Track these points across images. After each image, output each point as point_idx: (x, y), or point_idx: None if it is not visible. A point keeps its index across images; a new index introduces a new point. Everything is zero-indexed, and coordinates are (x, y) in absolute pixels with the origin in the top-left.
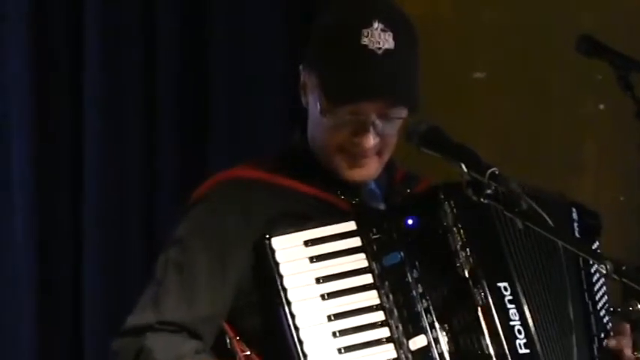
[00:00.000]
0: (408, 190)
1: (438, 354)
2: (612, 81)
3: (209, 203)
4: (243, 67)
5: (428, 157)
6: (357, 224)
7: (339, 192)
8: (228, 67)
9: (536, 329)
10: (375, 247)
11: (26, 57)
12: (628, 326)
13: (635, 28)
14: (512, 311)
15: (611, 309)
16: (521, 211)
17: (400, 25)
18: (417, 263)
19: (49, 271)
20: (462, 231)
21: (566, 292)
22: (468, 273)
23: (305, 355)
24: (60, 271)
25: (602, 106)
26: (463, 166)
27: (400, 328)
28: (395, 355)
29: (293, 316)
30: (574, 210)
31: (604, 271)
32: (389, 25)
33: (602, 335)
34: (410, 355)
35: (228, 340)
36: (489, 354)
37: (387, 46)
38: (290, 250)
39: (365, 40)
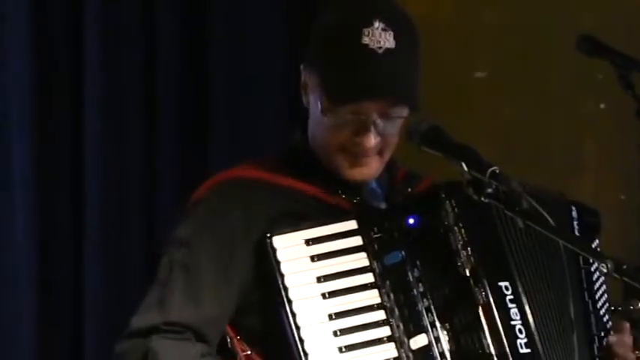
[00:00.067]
0: (409, 190)
1: (439, 353)
2: (613, 80)
3: (210, 203)
4: (243, 67)
5: (429, 157)
6: (359, 223)
7: (340, 191)
8: (228, 67)
9: (537, 329)
10: (376, 246)
11: (26, 57)
12: (628, 325)
13: (635, 27)
14: (514, 310)
15: (612, 308)
16: (522, 210)
17: (401, 24)
18: (418, 262)
19: (50, 271)
20: (463, 230)
21: (566, 291)
22: (469, 272)
23: (306, 354)
24: (60, 271)
25: (602, 106)
26: (464, 165)
27: (401, 327)
28: (396, 354)
29: (294, 315)
30: (573, 208)
31: (605, 270)
32: (390, 25)
33: (602, 334)
34: (411, 354)
35: (228, 340)
36: (490, 353)
37: (387, 45)
38: (291, 249)
39: (366, 40)
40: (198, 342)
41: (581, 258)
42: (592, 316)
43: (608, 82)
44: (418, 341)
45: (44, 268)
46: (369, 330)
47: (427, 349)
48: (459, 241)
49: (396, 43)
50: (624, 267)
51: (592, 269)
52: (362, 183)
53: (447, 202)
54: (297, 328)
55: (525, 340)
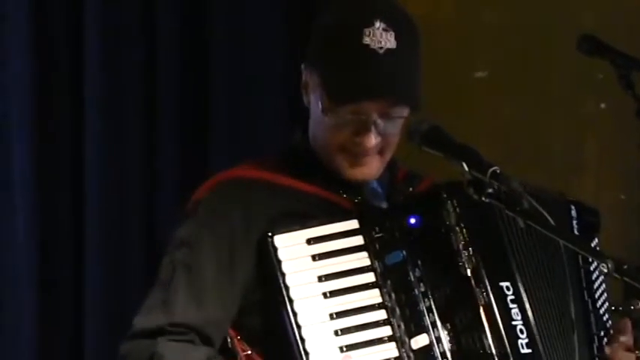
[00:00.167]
0: (411, 189)
1: (440, 353)
2: (613, 80)
3: (211, 203)
4: (243, 67)
5: (429, 157)
6: (360, 222)
7: (341, 191)
8: (228, 67)
9: (538, 329)
10: (377, 245)
11: (26, 57)
12: (629, 323)
13: (635, 27)
14: (515, 311)
15: (612, 307)
16: (522, 210)
17: (402, 24)
18: (419, 262)
19: (50, 270)
20: (464, 230)
21: (567, 290)
22: (471, 272)
23: (307, 354)
24: (61, 271)
25: (602, 106)
26: (464, 165)
27: (402, 326)
28: (397, 354)
29: (295, 314)
30: (573, 207)
31: (605, 270)
32: (390, 25)
33: (602, 334)
34: (412, 354)
35: (229, 340)
36: (491, 353)
37: (388, 45)
38: (292, 248)
39: (366, 40)
40: (203, 343)
41: (580, 257)
42: (592, 315)
43: (608, 82)
44: (419, 341)
45: (44, 268)
46: (370, 330)
47: (428, 349)
48: (461, 241)
49: (397, 44)
50: (625, 267)
51: (591, 268)
52: (363, 183)
53: (449, 202)
54: (298, 327)
55: (526, 340)
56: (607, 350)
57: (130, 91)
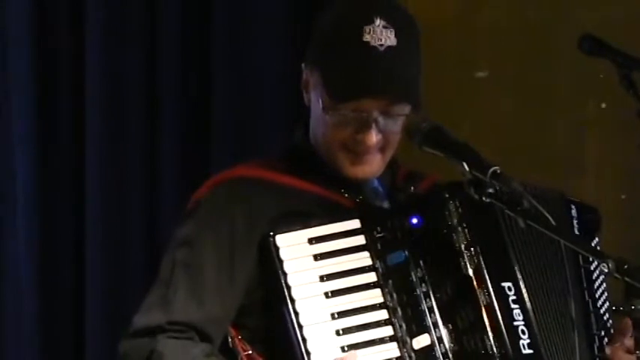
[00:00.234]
0: (412, 188)
1: (442, 353)
2: (614, 80)
3: (212, 203)
4: (244, 66)
5: (430, 156)
6: (362, 222)
7: (342, 190)
8: (230, 67)
9: (539, 329)
10: (379, 245)
11: (27, 56)
12: (630, 322)
13: (636, 27)
14: (516, 311)
15: (613, 307)
16: (523, 210)
17: (402, 22)
18: (421, 262)
19: (50, 270)
20: (466, 230)
21: (567, 290)
22: (472, 272)
23: (308, 353)
24: (61, 271)
25: (603, 105)
26: (465, 165)
27: (404, 326)
28: (398, 354)
29: (296, 314)
30: (573, 207)
31: (606, 270)
32: (391, 22)
33: (603, 334)
34: (413, 354)
35: (230, 339)
36: (493, 354)
37: (389, 43)
38: (294, 248)
39: (367, 37)
40: (202, 341)
41: (580, 257)
42: (592, 315)
43: (609, 81)
44: (421, 341)
45: (45, 267)
46: (371, 329)
47: (430, 349)
48: (463, 241)
49: (398, 41)
50: (625, 267)
51: (592, 268)
52: (364, 181)
53: (451, 202)
54: (300, 327)
55: (528, 340)
56: (607, 350)
57: (131, 90)
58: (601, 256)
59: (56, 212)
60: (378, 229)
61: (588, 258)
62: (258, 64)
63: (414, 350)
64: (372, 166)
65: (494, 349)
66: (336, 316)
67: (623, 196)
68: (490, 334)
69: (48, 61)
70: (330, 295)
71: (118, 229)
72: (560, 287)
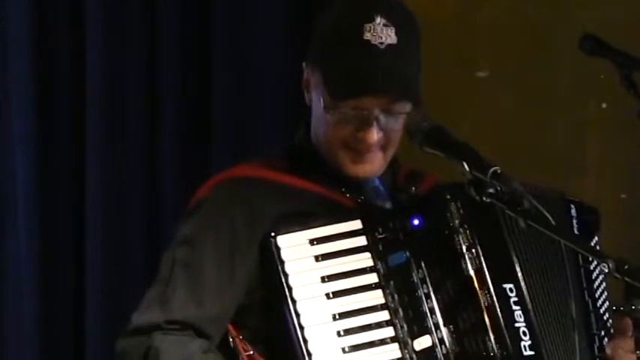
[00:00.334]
0: (413, 188)
1: (443, 354)
2: (615, 80)
3: (214, 202)
4: (245, 66)
5: (430, 156)
6: (363, 223)
7: (343, 190)
8: (230, 67)
9: (541, 331)
10: (380, 246)
11: (26, 57)
12: (630, 322)
13: (636, 27)
14: (518, 312)
15: (613, 307)
16: (523, 210)
17: (402, 20)
18: (422, 263)
19: (50, 270)
20: (468, 231)
21: (568, 290)
22: (474, 273)
23: (309, 354)
24: (61, 271)
25: (604, 106)
26: (465, 165)
27: (405, 328)
28: (399, 355)
29: (298, 315)
30: (572, 206)
31: (606, 270)
32: (391, 20)
33: (603, 333)
34: (414, 356)
35: (231, 340)
36: (494, 355)
37: (389, 41)
38: (295, 249)
39: (367, 35)
40: (199, 338)
41: (580, 257)
42: (592, 315)
43: (610, 81)
44: (422, 342)
45: (45, 267)
46: (372, 330)
47: (431, 350)
48: (465, 242)
49: (398, 39)
50: (626, 267)
51: (591, 268)
52: (365, 180)
53: (452, 203)
54: (301, 328)
55: (529, 342)
56: (608, 349)
57: (131, 90)
58: (601, 256)
59: (56, 212)
60: (380, 229)
61: (588, 258)
62: (258, 64)
63: (415, 351)
64: (374, 165)
65: (496, 351)
66: (337, 317)
67: (623, 196)
68: (491, 335)
69: (48, 61)
70: (331, 296)
71: (118, 229)
72: (561, 287)
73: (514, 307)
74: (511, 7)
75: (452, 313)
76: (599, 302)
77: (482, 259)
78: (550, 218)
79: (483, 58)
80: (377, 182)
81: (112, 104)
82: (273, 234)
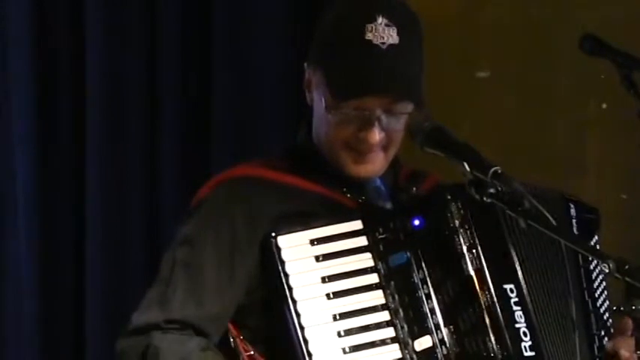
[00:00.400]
0: (414, 188)
1: (443, 355)
2: (615, 80)
3: (214, 202)
4: (245, 66)
5: (431, 156)
6: (364, 223)
7: (344, 190)
8: (230, 67)
9: (541, 331)
10: (381, 246)
11: (26, 57)
12: (630, 322)
13: (636, 27)
14: (518, 313)
15: (614, 308)
16: (524, 210)
17: (404, 20)
18: (423, 264)
19: (50, 270)
20: (468, 232)
21: (568, 291)
22: (474, 274)
23: (310, 355)
24: (61, 271)
25: (604, 106)
26: (466, 166)
27: (405, 328)
28: (400, 356)
29: (298, 315)
30: (572, 206)
31: (606, 270)
32: (393, 20)
33: (603, 333)
34: (415, 356)
35: (231, 340)
36: (494, 356)
37: (391, 41)
38: (296, 249)
39: (369, 35)
40: (198, 336)
41: (580, 257)
42: (592, 315)
43: (610, 82)
44: (422, 343)
45: (45, 267)
46: (373, 331)
47: (431, 350)
48: (465, 242)
49: (400, 39)
50: (626, 267)
51: (591, 268)
52: (366, 180)
53: (453, 203)
54: (302, 328)
55: (530, 342)
56: (608, 349)
57: (131, 90)
58: (601, 256)
59: (56, 212)
60: (380, 230)
61: (588, 258)
62: (258, 64)
63: (416, 352)
64: (375, 165)
65: (496, 351)
66: (337, 317)
67: (623, 196)
68: (492, 336)
69: (48, 61)
70: (331, 296)
71: (118, 229)
72: (561, 288)
73: (514, 308)
74: (514, 7)
75: (452, 313)
76: (599, 302)
77: (482, 259)
78: (550, 218)
79: (485, 59)
80: (378, 182)
81: (112, 104)
82: (273, 234)
